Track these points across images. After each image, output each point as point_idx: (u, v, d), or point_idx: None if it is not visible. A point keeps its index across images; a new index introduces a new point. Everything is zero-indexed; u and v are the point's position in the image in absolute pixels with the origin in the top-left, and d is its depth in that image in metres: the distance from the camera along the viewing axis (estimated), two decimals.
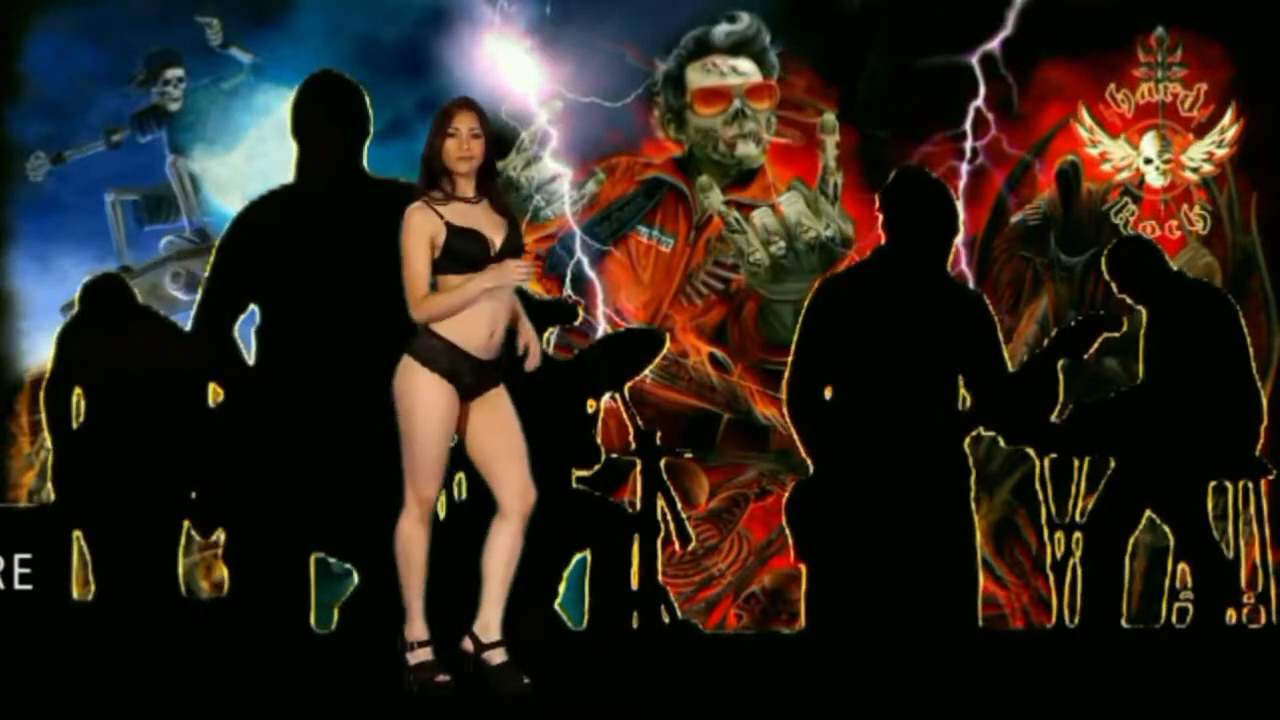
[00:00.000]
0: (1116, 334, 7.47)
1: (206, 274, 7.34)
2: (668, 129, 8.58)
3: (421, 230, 5.59)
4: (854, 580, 7.14)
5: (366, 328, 6.87)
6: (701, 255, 8.57)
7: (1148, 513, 7.50)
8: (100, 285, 7.44)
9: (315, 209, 7.13)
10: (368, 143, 7.24)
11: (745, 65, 8.56)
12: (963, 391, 7.25)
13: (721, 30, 8.52)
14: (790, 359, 7.36)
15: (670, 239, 8.57)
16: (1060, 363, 7.44)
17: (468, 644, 5.68)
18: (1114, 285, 7.68)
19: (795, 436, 7.38)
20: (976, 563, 7.32)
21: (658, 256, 8.57)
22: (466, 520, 7.06)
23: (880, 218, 7.40)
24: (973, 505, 7.26)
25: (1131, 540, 7.50)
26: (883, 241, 7.39)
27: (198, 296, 7.36)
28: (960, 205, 7.74)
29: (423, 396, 5.58)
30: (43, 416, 7.40)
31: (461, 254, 5.60)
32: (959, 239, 7.45)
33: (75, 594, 7.37)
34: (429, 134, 5.72)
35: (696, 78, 8.56)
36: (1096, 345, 7.47)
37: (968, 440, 7.31)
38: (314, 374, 7.07)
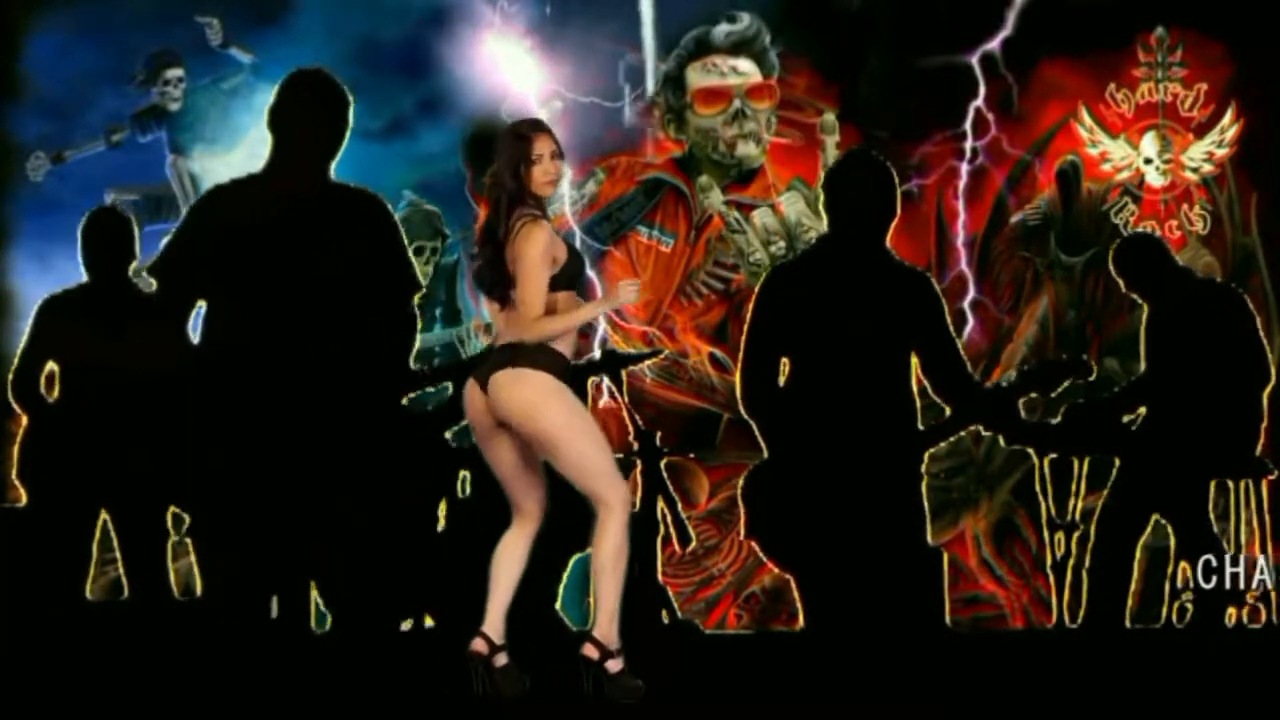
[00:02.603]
0: (1083, 381, 7.49)
1: (156, 263, 7.04)
2: (668, 129, 8.56)
3: (548, 249, 5.57)
4: (808, 566, 7.14)
5: (322, 330, 6.77)
6: (701, 255, 8.56)
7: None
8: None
9: (278, 208, 6.93)
10: (342, 147, 7.02)
11: (745, 65, 8.53)
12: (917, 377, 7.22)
13: (721, 30, 8.50)
14: (742, 348, 7.35)
15: (670, 238, 8.56)
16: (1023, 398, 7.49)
17: (480, 645, 5.66)
18: (1121, 281, 7.68)
19: (751, 424, 7.37)
20: (929, 549, 7.29)
21: (658, 256, 8.57)
22: (469, 518, 7.10)
23: (824, 203, 7.39)
24: (923, 494, 7.23)
25: (1139, 542, 7.50)
26: (827, 228, 7.39)
27: (155, 285, 7.06)
28: (962, 204, 7.75)
29: (574, 403, 5.59)
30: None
31: (575, 275, 5.67)
32: (895, 221, 7.38)
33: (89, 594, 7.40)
34: (501, 160, 5.62)
35: (696, 78, 8.53)
36: (1062, 388, 7.49)
37: (965, 437, 7.32)
38: (262, 373, 6.88)
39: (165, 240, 7.00)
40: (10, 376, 7.32)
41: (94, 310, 7.25)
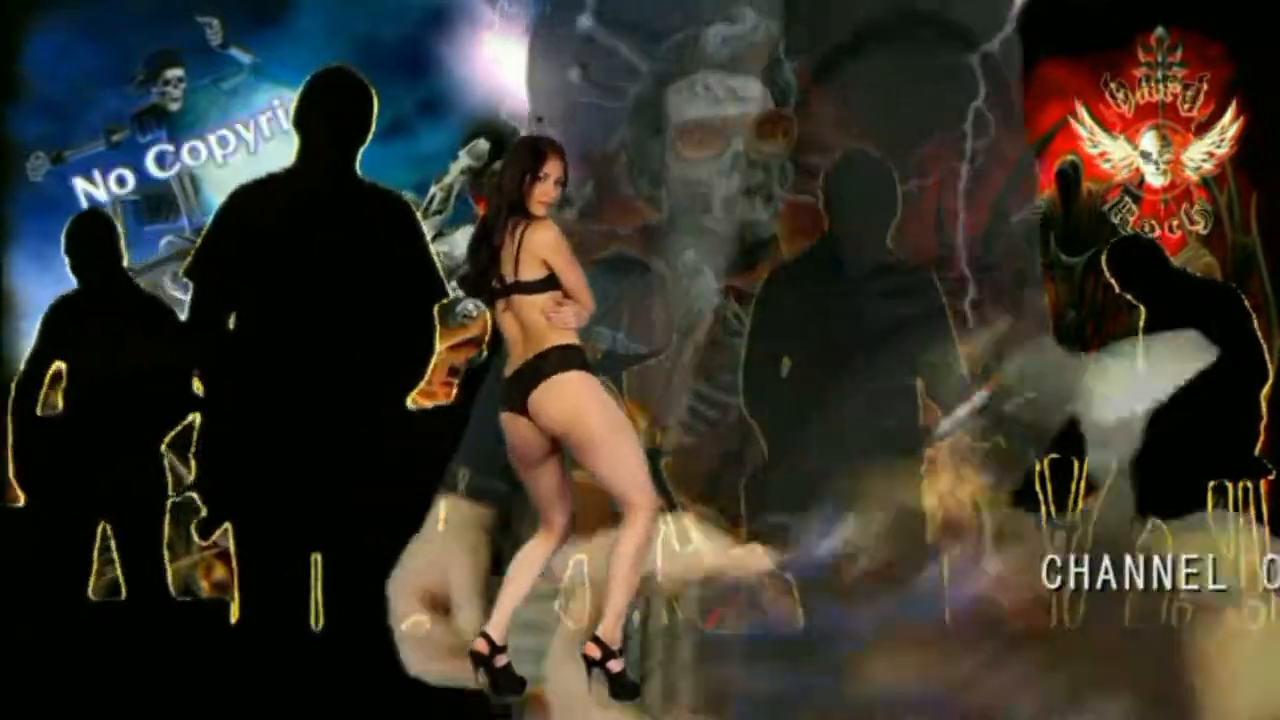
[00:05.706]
0: None
1: (192, 265, 7.19)
2: (636, 183, 6.75)
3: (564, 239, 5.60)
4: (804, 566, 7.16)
5: (349, 325, 6.84)
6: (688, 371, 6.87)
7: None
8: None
9: (305, 205, 7.06)
10: (366, 141, 7.20)
11: (749, 86, 6.78)
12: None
13: (716, 33, 6.76)
14: (744, 347, 7.31)
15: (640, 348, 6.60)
16: None
17: (481, 645, 5.67)
18: (1115, 284, 7.73)
19: (752, 422, 7.35)
20: (929, 548, 7.30)
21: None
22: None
23: (822, 203, 7.36)
24: (922, 493, 7.24)
25: (1138, 543, 7.53)
26: (826, 227, 7.37)
27: (190, 288, 7.26)
28: (961, 204, 7.74)
29: (610, 399, 5.61)
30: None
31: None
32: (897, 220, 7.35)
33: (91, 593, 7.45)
34: (510, 167, 5.61)
35: (680, 105, 6.68)
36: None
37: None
38: (293, 372, 6.96)
39: (198, 243, 7.17)
40: (16, 380, 7.42)
41: (94, 313, 7.34)
